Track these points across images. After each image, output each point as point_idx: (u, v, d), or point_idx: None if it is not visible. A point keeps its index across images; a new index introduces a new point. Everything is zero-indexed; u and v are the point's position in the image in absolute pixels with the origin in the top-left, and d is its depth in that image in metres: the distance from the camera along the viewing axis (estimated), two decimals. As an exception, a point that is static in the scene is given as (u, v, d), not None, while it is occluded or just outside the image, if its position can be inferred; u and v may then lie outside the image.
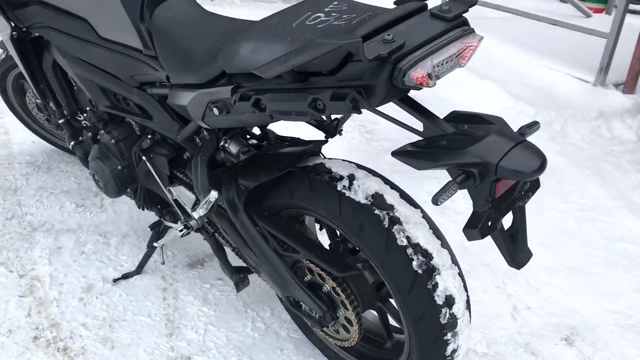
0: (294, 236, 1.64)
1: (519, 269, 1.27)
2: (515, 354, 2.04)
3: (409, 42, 1.11)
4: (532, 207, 2.94)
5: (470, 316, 1.52)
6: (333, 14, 1.31)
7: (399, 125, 1.27)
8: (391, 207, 1.46)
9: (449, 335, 1.47)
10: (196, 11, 1.72)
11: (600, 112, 4.22)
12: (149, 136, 1.95)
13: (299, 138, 1.80)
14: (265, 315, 2.07)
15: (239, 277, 1.88)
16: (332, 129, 1.81)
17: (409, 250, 1.43)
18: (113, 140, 1.99)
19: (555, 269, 2.52)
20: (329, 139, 1.75)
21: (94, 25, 1.82)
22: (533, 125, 1.25)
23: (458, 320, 1.47)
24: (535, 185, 1.27)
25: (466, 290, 1.51)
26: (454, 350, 1.50)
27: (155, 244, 1.96)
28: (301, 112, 1.26)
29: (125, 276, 2.18)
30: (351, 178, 1.52)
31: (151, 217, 2.52)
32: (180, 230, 1.90)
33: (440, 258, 1.45)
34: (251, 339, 1.97)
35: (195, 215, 1.69)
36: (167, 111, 1.81)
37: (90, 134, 2.11)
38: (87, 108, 2.10)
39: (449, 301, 1.44)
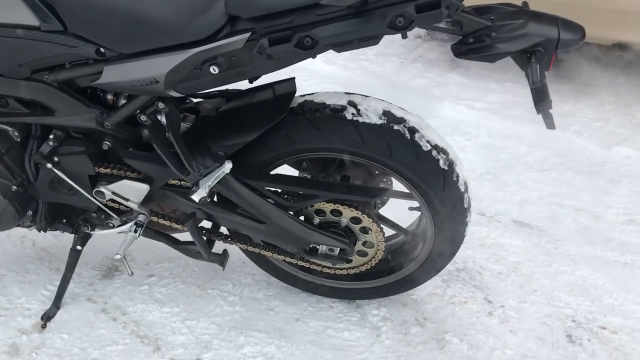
0: (308, 183, 1.56)
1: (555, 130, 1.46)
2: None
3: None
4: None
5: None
6: None
7: (438, 30, 1.31)
8: (403, 120, 1.51)
9: (468, 217, 1.63)
10: None
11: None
12: (51, 136, 1.55)
13: (234, 90, 1.66)
14: (228, 288, 1.93)
15: (218, 255, 1.71)
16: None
17: (434, 153, 1.51)
18: (-4, 158, 1.54)
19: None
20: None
21: None
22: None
23: (471, 201, 1.63)
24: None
25: (463, 174, 1.67)
26: (467, 229, 1.68)
27: (116, 256, 1.61)
28: (372, 35, 1.20)
29: (48, 317, 1.76)
30: (353, 104, 1.50)
31: (6, 245, 2.04)
32: (135, 231, 1.62)
33: (451, 151, 1.57)
34: (238, 314, 1.83)
35: (196, 198, 1.46)
36: (77, 98, 1.48)
37: (-56, 162, 1.57)
38: None
39: (466, 187, 1.59)
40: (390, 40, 4.44)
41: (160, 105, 1.47)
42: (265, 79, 1.47)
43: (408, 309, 1.89)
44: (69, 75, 1.43)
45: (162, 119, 1.50)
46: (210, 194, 1.51)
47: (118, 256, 1.60)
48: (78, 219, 1.74)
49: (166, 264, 2.02)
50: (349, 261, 1.71)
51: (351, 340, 1.77)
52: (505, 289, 2.01)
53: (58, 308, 1.80)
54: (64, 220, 1.73)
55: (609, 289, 2.03)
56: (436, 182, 1.52)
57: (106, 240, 2.10)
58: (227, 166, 1.44)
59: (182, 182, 1.59)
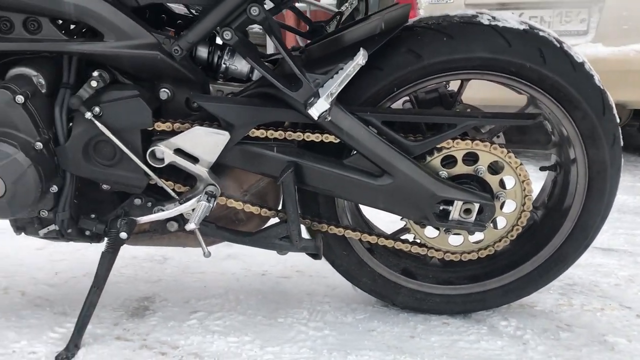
0: (439, 112, 1.22)
1: None
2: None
3: None
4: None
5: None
6: None
7: None
8: (544, 29, 1.25)
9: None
10: None
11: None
12: (95, 74, 1.16)
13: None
14: (304, 316, 1.44)
15: (310, 241, 1.27)
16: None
17: (587, 67, 1.25)
18: (20, 99, 1.11)
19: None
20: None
21: None
22: None
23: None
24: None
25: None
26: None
27: (190, 225, 1.13)
28: None
29: (66, 357, 1.20)
30: (481, 12, 1.24)
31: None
32: (208, 200, 1.19)
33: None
34: (331, 337, 1.33)
35: (316, 112, 1.07)
36: (134, 19, 1.15)
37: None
38: None
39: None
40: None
41: (254, 10, 1.13)
42: None
43: (540, 319, 1.46)
44: None
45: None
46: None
47: (192, 226, 1.13)
48: (113, 213, 1.27)
49: (212, 299, 1.52)
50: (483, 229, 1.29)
51: (494, 350, 1.31)
52: (636, 297, 1.63)
53: (78, 347, 1.24)
54: (93, 216, 1.26)
55: None
56: (596, 102, 1.23)
57: (121, 285, 1.60)
58: (362, 54, 1.08)
59: (269, 132, 1.21)
